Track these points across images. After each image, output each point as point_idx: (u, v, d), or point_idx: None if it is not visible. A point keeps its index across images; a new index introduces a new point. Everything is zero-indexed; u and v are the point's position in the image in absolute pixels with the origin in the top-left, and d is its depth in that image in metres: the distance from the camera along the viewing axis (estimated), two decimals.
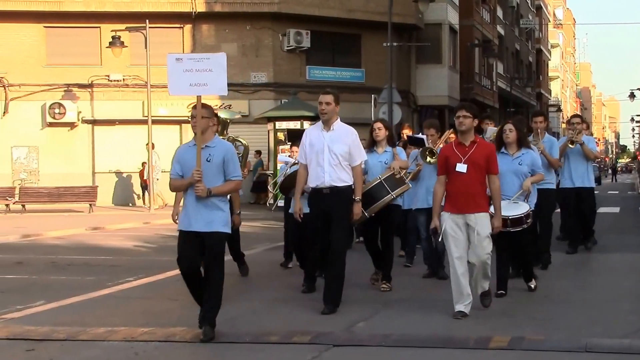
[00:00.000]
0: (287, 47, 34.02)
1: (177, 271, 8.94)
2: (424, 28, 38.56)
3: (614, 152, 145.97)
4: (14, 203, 28.72)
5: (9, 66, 32.30)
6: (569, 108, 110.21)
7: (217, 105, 11.54)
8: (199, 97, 7.97)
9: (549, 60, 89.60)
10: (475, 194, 8.53)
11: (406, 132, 14.87)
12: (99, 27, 32.87)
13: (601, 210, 27.72)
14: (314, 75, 34.62)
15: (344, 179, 9.02)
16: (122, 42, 31.59)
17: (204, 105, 8.03)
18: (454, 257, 8.60)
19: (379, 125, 10.85)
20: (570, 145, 13.12)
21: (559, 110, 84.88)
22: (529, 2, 71.19)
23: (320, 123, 9.27)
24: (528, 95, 66.12)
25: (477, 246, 8.54)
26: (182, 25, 33.84)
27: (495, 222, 8.63)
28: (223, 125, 11.31)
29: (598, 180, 51.02)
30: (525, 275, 10.37)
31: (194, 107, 8.64)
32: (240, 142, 11.77)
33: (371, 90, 32.90)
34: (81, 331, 8.39)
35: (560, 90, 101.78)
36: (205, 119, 7.88)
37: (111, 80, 32.67)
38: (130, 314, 9.58)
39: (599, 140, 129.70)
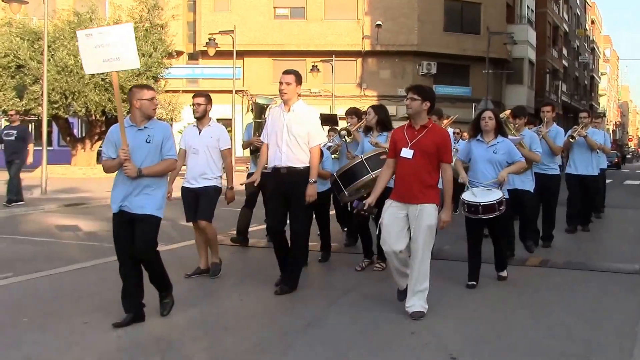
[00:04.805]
0: (421, 73, 34.33)
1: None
2: (511, 61, 38.02)
3: None
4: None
5: (251, 83, 33.95)
6: (612, 115, 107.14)
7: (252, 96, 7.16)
8: (114, 74, 5.13)
9: (599, 83, 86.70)
10: (422, 183, 5.24)
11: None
12: (305, 59, 33.62)
13: (627, 182, 27.26)
14: (438, 90, 33.76)
15: (302, 159, 6.01)
16: (318, 69, 32.40)
17: (146, 86, 5.16)
18: (385, 251, 5.45)
19: (369, 110, 7.40)
20: (570, 140, 9.61)
21: (604, 116, 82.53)
22: (585, 45, 69.46)
23: (282, 104, 6.14)
24: (583, 106, 64.41)
25: (415, 239, 5.22)
26: (355, 59, 34.62)
27: (444, 215, 5.35)
28: (260, 110, 8.05)
29: (617, 166, 44.95)
30: (498, 263, 6.73)
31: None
32: None
33: (475, 100, 32.93)
34: None
35: (607, 103, 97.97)
36: (152, 101, 5.00)
37: (312, 92, 33.39)
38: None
39: (632, 137, 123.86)
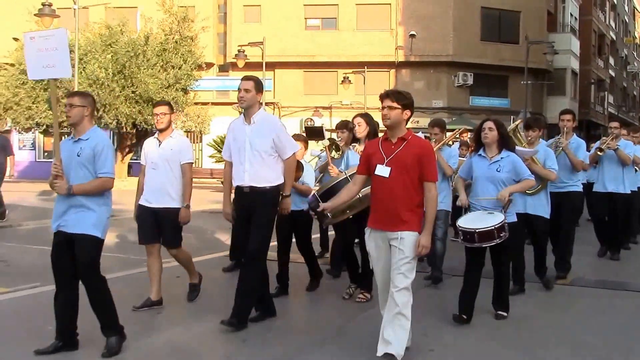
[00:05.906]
0: (457, 84, 34.11)
1: None
2: (552, 71, 37.41)
3: None
4: None
5: (281, 96, 33.99)
6: None
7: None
8: (52, 82, 5.07)
9: None
10: (402, 206, 4.56)
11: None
12: (336, 71, 33.98)
13: None
14: (475, 102, 34.52)
15: (268, 178, 5.47)
16: (350, 80, 32.71)
17: (78, 92, 4.91)
18: (379, 288, 4.87)
19: (358, 120, 6.65)
20: (599, 153, 8.79)
21: None
22: (635, 53, 68.41)
23: (243, 115, 5.64)
24: (631, 118, 63.33)
25: (394, 269, 4.55)
26: (388, 70, 34.36)
27: (422, 239, 4.54)
28: None
29: None
30: (497, 299, 5.96)
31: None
32: None
33: (514, 112, 31.73)
34: None
35: None
36: (78, 108, 4.69)
37: (343, 104, 33.52)
38: None
39: None
